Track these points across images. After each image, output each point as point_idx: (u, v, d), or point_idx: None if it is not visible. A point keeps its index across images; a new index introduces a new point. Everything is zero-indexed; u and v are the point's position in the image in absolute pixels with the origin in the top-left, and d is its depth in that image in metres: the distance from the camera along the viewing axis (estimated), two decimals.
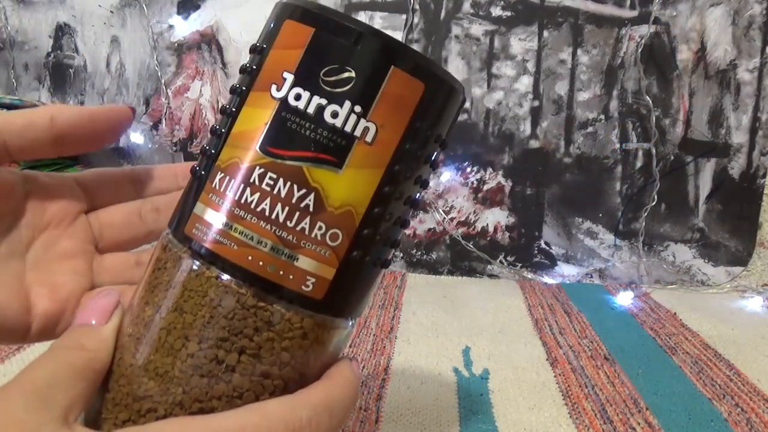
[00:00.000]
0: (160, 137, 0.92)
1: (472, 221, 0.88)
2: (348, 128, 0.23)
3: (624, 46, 0.84)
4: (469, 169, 0.88)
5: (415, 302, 0.70)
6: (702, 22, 0.83)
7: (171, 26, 0.90)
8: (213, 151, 0.24)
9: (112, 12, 0.92)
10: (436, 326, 0.62)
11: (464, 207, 0.88)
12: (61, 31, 0.93)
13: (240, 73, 0.25)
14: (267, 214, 0.22)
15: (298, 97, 0.23)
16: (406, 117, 0.23)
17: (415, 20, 0.86)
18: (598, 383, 0.50)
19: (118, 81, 0.93)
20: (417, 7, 0.86)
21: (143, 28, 0.91)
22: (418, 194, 0.26)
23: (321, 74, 0.23)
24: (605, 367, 0.53)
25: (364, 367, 0.50)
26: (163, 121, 0.92)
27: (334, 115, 0.22)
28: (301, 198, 0.22)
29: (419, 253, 0.88)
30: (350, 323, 0.26)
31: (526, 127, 0.87)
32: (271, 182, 0.23)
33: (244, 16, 0.87)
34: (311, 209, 0.23)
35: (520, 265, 0.87)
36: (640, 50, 0.83)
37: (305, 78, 0.23)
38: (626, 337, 0.61)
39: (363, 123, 0.23)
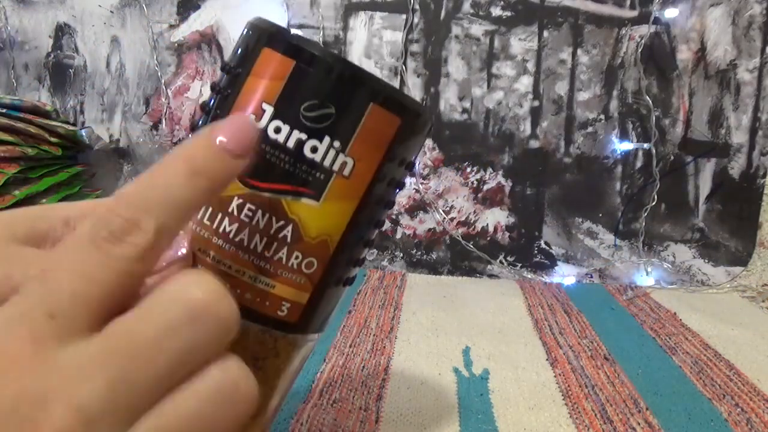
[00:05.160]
0: (160, 137, 0.92)
1: (472, 221, 0.88)
2: (327, 163, 0.23)
3: (624, 46, 0.84)
4: (469, 169, 0.88)
5: (415, 302, 0.70)
6: (702, 22, 0.83)
7: (171, 26, 0.90)
8: None
9: (112, 12, 0.92)
10: (436, 326, 0.62)
11: (464, 207, 0.88)
12: (61, 31, 0.93)
13: (211, 90, 0.25)
14: (245, 244, 0.23)
15: (277, 130, 0.23)
16: (382, 150, 0.24)
17: (415, 20, 0.86)
18: (598, 383, 0.50)
19: (118, 81, 0.93)
20: (417, 7, 0.86)
21: (143, 28, 0.91)
22: (383, 216, 0.27)
23: (301, 109, 0.23)
24: (605, 367, 0.53)
25: (364, 367, 0.50)
26: (163, 121, 0.92)
27: (314, 150, 0.23)
28: (280, 229, 0.23)
29: (419, 253, 0.88)
30: (317, 336, 0.27)
31: (526, 127, 0.87)
32: (250, 213, 0.23)
33: (244, 16, 0.87)
34: (289, 240, 0.23)
35: (520, 265, 0.87)
36: (640, 50, 0.83)
37: (285, 112, 0.23)
38: (626, 337, 0.61)
39: (341, 158, 0.23)
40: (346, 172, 0.23)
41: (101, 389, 0.16)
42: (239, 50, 0.25)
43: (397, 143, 0.24)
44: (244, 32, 0.25)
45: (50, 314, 0.16)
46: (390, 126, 0.24)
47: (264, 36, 0.24)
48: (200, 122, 0.25)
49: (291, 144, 0.23)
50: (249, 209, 0.23)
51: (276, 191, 0.23)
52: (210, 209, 0.23)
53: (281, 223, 0.23)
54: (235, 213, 0.23)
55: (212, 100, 0.25)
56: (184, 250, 0.23)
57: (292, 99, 0.23)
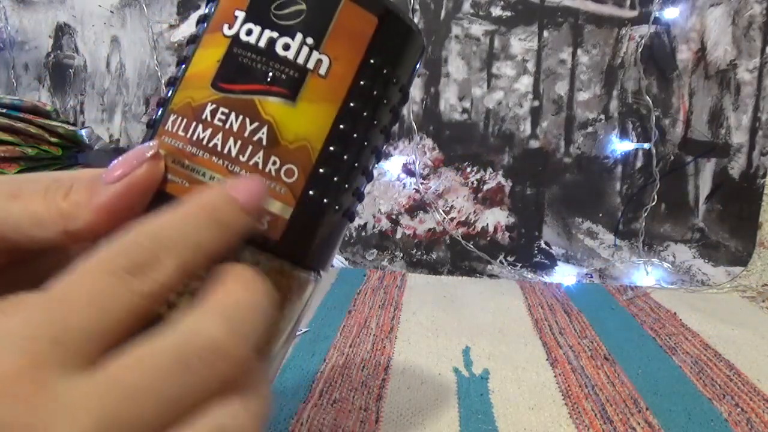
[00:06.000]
0: None
1: (472, 221, 0.88)
2: (300, 60, 0.22)
3: (624, 46, 0.84)
4: (469, 169, 0.88)
5: (415, 302, 0.70)
6: (702, 22, 0.83)
7: (171, 26, 0.90)
8: (167, 97, 0.24)
9: (112, 12, 0.92)
10: (436, 326, 0.62)
11: (464, 207, 0.88)
12: (61, 31, 0.93)
13: (197, 24, 0.25)
14: (219, 149, 0.22)
15: (249, 32, 0.23)
16: (360, 51, 0.23)
17: (415, 20, 0.86)
18: (598, 383, 0.50)
19: (118, 81, 0.93)
20: (417, 7, 0.86)
21: (143, 28, 0.91)
22: (380, 143, 0.25)
23: (272, 8, 0.23)
24: (605, 367, 0.53)
25: (364, 367, 0.50)
26: None
27: (286, 47, 0.22)
28: (254, 131, 0.22)
29: (419, 253, 0.88)
30: (312, 276, 0.24)
31: (526, 127, 0.87)
32: (223, 117, 0.22)
33: None
34: (264, 143, 0.22)
35: (520, 265, 0.87)
36: (640, 50, 0.83)
37: (256, 13, 0.23)
38: (626, 337, 0.61)
39: (316, 55, 0.22)
40: (322, 70, 0.23)
41: (89, 430, 0.15)
42: None
43: (378, 47, 0.23)
44: None
45: (55, 340, 0.15)
46: (366, 25, 0.23)
47: None
48: (188, 52, 0.25)
49: (262, 43, 0.22)
50: (222, 113, 0.22)
51: (249, 92, 0.22)
52: (184, 120, 0.23)
53: (255, 124, 0.22)
54: (209, 119, 0.22)
55: (200, 29, 0.25)
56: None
57: (263, 0, 0.23)
